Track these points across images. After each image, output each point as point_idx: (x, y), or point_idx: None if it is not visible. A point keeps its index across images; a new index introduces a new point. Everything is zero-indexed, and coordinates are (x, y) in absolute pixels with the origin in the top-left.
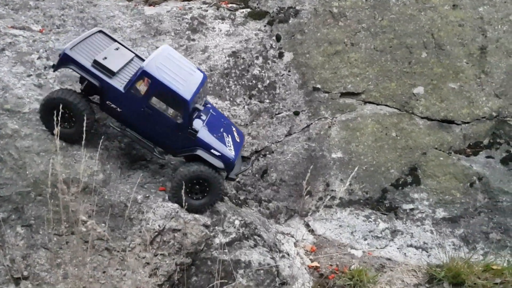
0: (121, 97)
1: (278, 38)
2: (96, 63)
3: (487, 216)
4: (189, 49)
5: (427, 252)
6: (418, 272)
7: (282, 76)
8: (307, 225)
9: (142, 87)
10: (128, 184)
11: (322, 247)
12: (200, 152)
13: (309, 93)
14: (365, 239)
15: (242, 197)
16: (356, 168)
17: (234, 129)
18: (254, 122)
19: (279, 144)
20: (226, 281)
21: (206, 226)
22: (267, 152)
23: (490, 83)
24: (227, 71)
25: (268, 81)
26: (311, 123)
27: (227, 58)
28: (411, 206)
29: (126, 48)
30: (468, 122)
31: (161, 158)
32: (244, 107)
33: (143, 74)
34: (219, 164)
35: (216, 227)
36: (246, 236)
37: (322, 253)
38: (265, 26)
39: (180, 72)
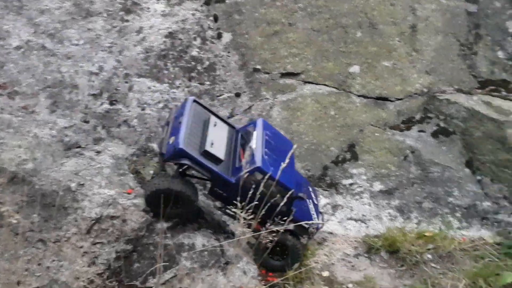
0: (231, 186)
1: (215, 18)
2: (205, 153)
3: (420, 186)
4: (122, 30)
5: (365, 224)
6: (357, 243)
7: (221, 57)
8: None
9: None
10: (61, 172)
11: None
12: (292, 227)
13: (250, 74)
14: None
15: None
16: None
17: (310, 189)
18: None
19: None
20: (169, 264)
21: (147, 212)
22: None
23: (420, 60)
24: (164, 53)
25: (207, 63)
26: (253, 104)
27: (164, 39)
28: (350, 181)
29: (221, 119)
30: (401, 99)
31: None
32: (184, 89)
33: (256, 171)
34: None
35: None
36: (189, 219)
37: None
38: (201, 6)
39: (280, 156)
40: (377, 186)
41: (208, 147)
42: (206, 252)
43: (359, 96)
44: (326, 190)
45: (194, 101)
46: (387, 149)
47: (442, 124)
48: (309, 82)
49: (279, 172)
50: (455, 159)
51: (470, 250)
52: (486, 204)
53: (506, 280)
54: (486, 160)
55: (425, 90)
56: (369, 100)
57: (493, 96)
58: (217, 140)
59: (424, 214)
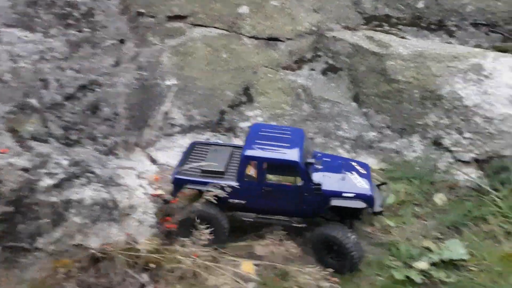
0: (239, 190)
1: None
2: (205, 172)
3: (313, 123)
4: None
5: None
6: None
7: (99, 1)
8: (149, 156)
9: (252, 172)
10: None
11: (166, 175)
12: (335, 202)
13: (133, 19)
14: None
15: (74, 137)
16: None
17: (355, 163)
18: (74, 54)
19: (108, 76)
20: (58, 222)
21: (26, 170)
22: (95, 86)
23: None
24: None
25: (84, 8)
26: (140, 51)
27: None
28: (247, 124)
29: (225, 145)
30: (292, 39)
31: (304, 225)
32: (60, 38)
33: (246, 160)
34: (359, 204)
35: (39, 170)
36: (76, 175)
37: (165, 181)
38: None
39: (278, 140)
40: None
41: (205, 167)
42: (97, 206)
43: (250, 37)
44: (224, 135)
45: (194, 143)
46: (280, 90)
47: (330, 62)
48: (198, 25)
49: (274, 153)
50: (343, 94)
51: None
52: (372, 134)
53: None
54: (370, 93)
55: (314, 28)
56: (261, 41)
57: (376, 31)
58: (216, 160)
59: (317, 149)
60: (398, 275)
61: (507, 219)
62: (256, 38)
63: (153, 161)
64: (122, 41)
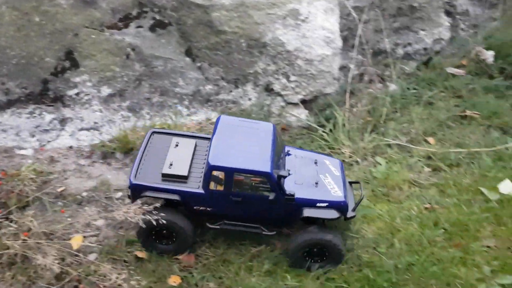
0: (205, 198)
1: None
2: (165, 176)
3: (147, 83)
4: None
5: (99, 131)
6: (92, 151)
7: None
8: None
9: (219, 176)
10: None
11: None
12: (307, 212)
13: None
14: (33, 136)
15: None
16: None
17: (328, 162)
18: None
19: None
20: None
21: None
22: None
23: None
24: None
25: None
26: None
27: None
28: (75, 91)
29: (187, 135)
30: None
31: (274, 232)
32: None
33: (212, 170)
34: (332, 214)
35: None
36: None
37: None
38: None
39: (247, 141)
40: (105, 91)
41: (166, 170)
42: None
43: None
44: (51, 106)
45: (153, 132)
46: (107, 51)
47: (157, 17)
48: None
49: (244, 162)
50: (175, 50)
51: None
52: (208, 87)
53: None
54: (201, 46)
55: None
56: (76, 0)
57: None
58: (178, 158)
59: (155, 109)
60: None
61: (332, 150)
62: None
63: None
64: None
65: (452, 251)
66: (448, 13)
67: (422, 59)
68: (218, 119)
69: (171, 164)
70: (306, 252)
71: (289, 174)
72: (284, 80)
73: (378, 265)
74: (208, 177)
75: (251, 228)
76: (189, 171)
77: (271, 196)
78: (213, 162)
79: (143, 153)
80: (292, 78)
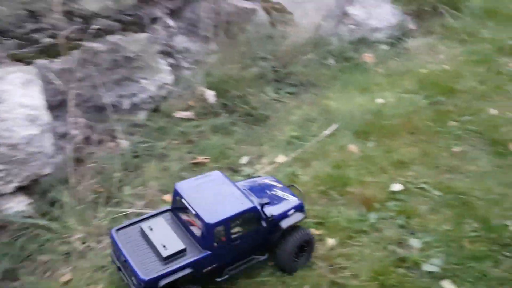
0: (213, 256)
1: None
2: (168, 258)
3: None
4: None
5: None
6: None
7: None
8: None
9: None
10: None
11: None
12: (285, 223)
13: None
14: None
15: None
16: None
17: (266, 180)
18: None
19: None
20: None
21: None
22: None
23: None
24: None
25: None
26: None
27: None
28: None
29: (148, 217)
30: None
31: (266, 256)
32: None
33: (213, 229)
34: (301, 216)
35: None
36: None
37: None
38: None
39: (215, 192)
40: None
41: (164, 254)
42: None
43: None
44: None
45: (117, 230)
46: None
47: None
48: None
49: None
50: None
51: None
52: None
53: None
54: None
55: None
56: None
57: None
58: (168, 236)
59: None
60: None
61: (62, 241)
62: None
63: None
64: None
65: None
66: (168, 54)
67: (151, 107)
68: (175, 188)
69: (164, 246)
70: (295, 254)
71: (268, 202)
72: None
73: None
74: (211, 236)
75: (248, 262)
76: (186, 244)
77: (264, 224)
78: (211, 221)
79: (128, 252)
80: (0, 167)
